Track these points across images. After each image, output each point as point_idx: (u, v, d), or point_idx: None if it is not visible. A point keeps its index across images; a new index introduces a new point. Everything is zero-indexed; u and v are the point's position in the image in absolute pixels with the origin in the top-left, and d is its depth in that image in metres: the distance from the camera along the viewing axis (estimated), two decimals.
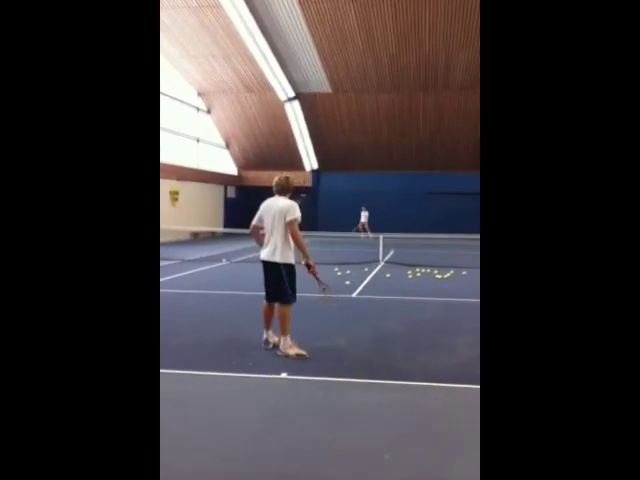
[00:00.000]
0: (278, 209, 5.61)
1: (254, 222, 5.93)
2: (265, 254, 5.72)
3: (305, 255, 5.66)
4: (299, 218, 5.60)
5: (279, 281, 5.62)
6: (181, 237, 21.99)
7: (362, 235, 23.83)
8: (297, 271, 5.80)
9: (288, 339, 5.61)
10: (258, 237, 5.91)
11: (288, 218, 5.53)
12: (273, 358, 5.53)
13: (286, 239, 5.60)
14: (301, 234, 5.64)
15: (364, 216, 25.42)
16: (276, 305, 5.77)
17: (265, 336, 5.88)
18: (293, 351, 5.53)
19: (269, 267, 5.70)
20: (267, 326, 5.89)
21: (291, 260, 5.67)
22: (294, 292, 5.69)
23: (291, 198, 5.77)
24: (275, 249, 5.61)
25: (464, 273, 12.48)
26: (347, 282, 10.81)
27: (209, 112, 26.05)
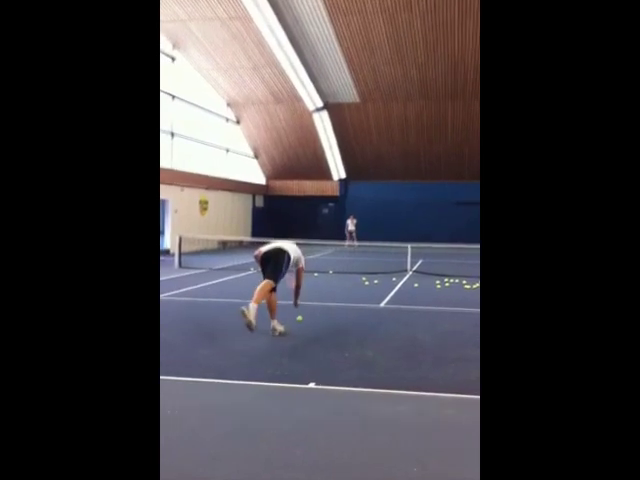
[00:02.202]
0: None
1: None
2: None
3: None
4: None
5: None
6: (210, 246, 22.19)
7: (347, 243, 23.77)
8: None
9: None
10: None
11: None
12: (301, 368, 5.54)
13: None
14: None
15: (352, 224, 25.37)
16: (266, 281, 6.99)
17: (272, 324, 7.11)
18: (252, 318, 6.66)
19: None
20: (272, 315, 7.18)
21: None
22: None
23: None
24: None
25: None
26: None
27: (238, 122, 26.31)
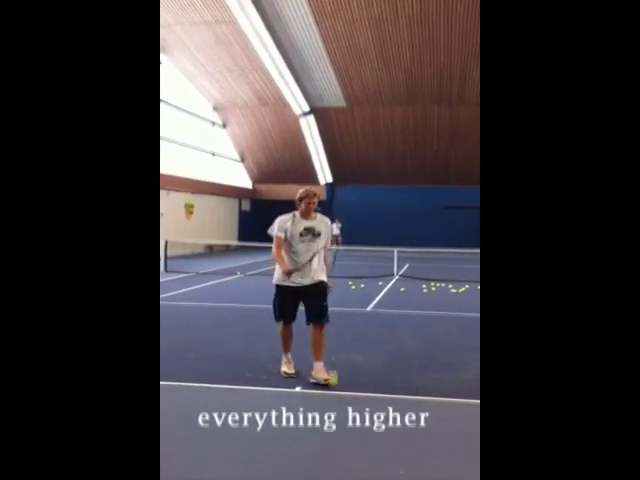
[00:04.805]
0: None
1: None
2: None
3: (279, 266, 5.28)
4: (274, 232, 5.26)
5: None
6: (196, 250, 22.08)
7: (333, 247, 23.76)
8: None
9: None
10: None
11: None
12: None
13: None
14: (280, 250, 5.25)
15: (336, 228, 25.33)
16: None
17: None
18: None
19: None
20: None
21: (277, 280, 5.30)
22: (279, 312, 5.34)
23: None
24: None
25: (479, 288, 12.40)
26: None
27: (224, 126, 26.25)
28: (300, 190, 5.33)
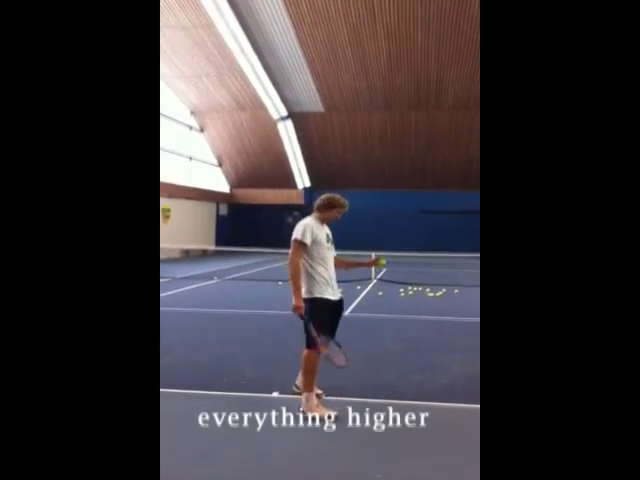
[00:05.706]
0: None
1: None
2: None
3: (293, 291, 4.48)
4: (305, 238, 4.51)
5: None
6: (172, 255, 21.90)
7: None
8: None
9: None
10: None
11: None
12: (265, 376, 5.48)
13: (305, 267, 4.56)
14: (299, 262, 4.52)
15: None
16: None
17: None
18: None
19: None
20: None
21: (311, 293, 4.53)
22: (319, 335, 4.44)
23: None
24: None
25: (456, 291, 12.49)
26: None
27: (202, 131, 26.12)
28: (328, 195, 4.71)
